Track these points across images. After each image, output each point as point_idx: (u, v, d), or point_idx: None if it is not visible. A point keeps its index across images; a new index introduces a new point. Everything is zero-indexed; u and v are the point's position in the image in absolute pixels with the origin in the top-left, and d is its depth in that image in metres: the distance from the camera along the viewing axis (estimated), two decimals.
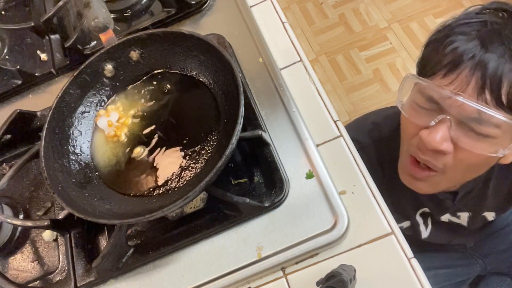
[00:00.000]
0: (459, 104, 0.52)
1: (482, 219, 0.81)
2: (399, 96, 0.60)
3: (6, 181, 0.63)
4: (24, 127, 0.74)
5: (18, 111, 0.72)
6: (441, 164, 0.58)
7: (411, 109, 0.59)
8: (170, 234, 0.62)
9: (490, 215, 0.80)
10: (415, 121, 0.58)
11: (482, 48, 0.52)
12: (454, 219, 0.81)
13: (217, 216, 0.61)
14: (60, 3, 0.82)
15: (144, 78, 0.70)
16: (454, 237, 0.88)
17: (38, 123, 0.74)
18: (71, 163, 0.64)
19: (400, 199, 0.75)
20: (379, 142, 0.75)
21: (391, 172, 0.71)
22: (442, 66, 0.54)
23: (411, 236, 0.86)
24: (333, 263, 0.55)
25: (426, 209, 0.80)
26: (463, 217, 0.80)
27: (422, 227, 0.82)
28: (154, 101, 0.68)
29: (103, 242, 0.65)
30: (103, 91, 0.70)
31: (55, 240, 0.66)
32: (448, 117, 0.54)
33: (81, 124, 0.67)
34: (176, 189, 0.60)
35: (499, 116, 0.51)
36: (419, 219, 0.81)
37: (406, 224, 0.83)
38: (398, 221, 0.79)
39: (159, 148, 0.64)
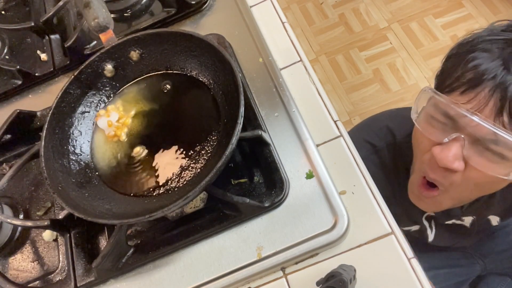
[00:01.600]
0: (475, 124, 0.51)
1: (486, 223, 0.80)
2: (415, 108, 0.59)
3: (6, 181, 0.63)
4: (24, 127, 0.74)
5: (18, 111, 0.72)
6: (448, 182, 0.58)
7: (426, 123, 0.58)
8: (170, 234, 0.62)
9: (494, 220, 0.80)
10: (429, 136, 0.57)
11: (504, 69, 0.50)
12: (458, 222, 0.80)
13: (217, 216, 0.61)
14: (60, 3, 0.82)
15: (144, 78, 0.70)
16: (457, 239, 0.88)
17: (38, 123, 0.74)
18: (71, 163, 0.64)
19: (411, 204, 0.74)
20: (393, 146, 0.74)
21: (404, 178, 0.70)
22: (461, 83, 0.53)
23: (418, 238, 0.85)
24: (333, 263, 0.55)
25: (431, 213, 0.79)
26: (467, 220, 0.79)
27: (428, 231, 0.82)
28: (154, 101, 0.68)
29: (103, 242, 0.65)
30: (103, 91, 0.70)
31: (55, 240, 0.66)
32: (462, 135, 0.53)
33: (81, 124, 0.67)
34: (176, 189, 0.60)
35: None
36: (426, 223, 0.81)
37: (415, 227, 0.83)
38: (408, 224, 0.80)
39: (159, 148, 0.64)
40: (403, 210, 0.77)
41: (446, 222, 0.81)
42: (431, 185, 0.62)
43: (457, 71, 0.54)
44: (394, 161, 0.73)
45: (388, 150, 0.75)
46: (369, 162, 0.73)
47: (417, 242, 0.84)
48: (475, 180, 0.56)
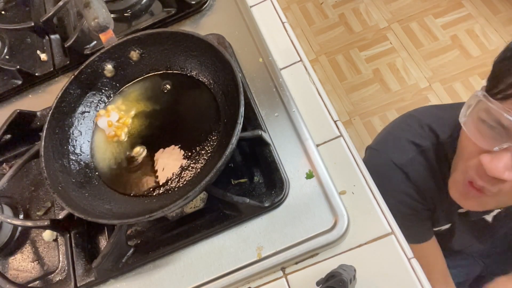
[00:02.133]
0: None
1: (508, 217, 0.79)
2: (464, 111, 0.56)
3: (6, 181, 0.63)
4: (24, 127, 0.74)
5: (18, 111, 0.72)
6: (496, 189, 0.56)
7: (475, 128, 0.54)
8: (170, 234, 0.62)
9: None
10: (477, 142, 0.54)
11: None
12: (486, 217, 0.78)
13: (217, 216, 0.61)
14: (60, 3, 0.82)
15: (144, 78, 0.70)
16: (475, 238, 0.87)
17: (38, 123, 0.74)
18: (71, 163, 0.64)
19: (446, 203, 0.73)
20: (437, 146, 0.72)
21: (445, 177, 0.68)
22: None
23: (441, 238, 0.85)
24: (333, 263, 0.55)
25: (463, 209, 0.77)
26: (493, 213, 0.78)
27: (457, 228, 0.81)
28: (154, 101, 0.68)
29: (103, 242, 0.65)
30: (103, 91, 0.70)
31: (55, 240, 0.66)
32: None
33: (81, 124, 0.67)
34: (176, 189, 0.60)
35: None
36: (457, 220, 0.80)
37: (446, 226, 0.82)
38: (442, 224, 0.79)
39: (159, 148, 0.64)
40: (443, 210, 0.76)
41: (473, 219, 0.79)
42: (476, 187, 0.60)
43: (511, 77, 0.51)
44: (438, 161, 0.71)
45: (433, 150, 0.72)
46: (416, 163, 0.71)
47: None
48: None
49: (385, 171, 0.74)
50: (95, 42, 0.82)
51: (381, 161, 0.74)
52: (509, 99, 0.50)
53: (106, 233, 0.65)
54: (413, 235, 0.79)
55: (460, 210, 0.80)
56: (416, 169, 0.70)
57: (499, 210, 0.77)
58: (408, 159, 0.71)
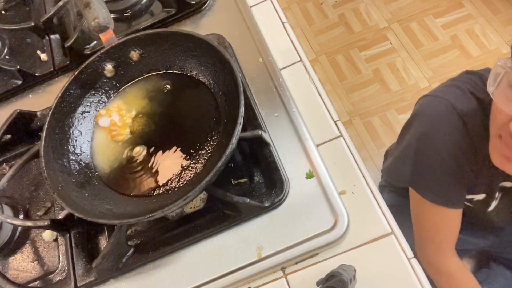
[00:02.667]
0: None
1: None
2: (491, 80, 0.56)
3: (6, 181, 0.63)
4: (24, 127, 0.74)
5: (18, 111, 0.72)
6: None
7: (503, 96, 0.55)
8: (170, 234, 0.62)
9: None
10: (506, 110, 0.55)
11: None
12: None
13: (217, 216, 0.61)
14: (60, 3, 0.82)
15: (144, 78, 0.70)
16: None
17: (38, 123, 0.74)
18: (71, 163, 0.64)
19: (488, 171, 0.71)
20: (481, 111, 0.69)
21: (487, 143, 0.66)
22: None
23: (473, 208, 0.81)
24: (333, 263, 0.55)
25: (509, 184, 0.75)
26: None
27: (493, 201, 0.79)
28: (154, 101, 0.68)
29: (103, 242, 0.65)
30: (103, 91, 0.70)
31: (55, 240, 0.66)
32: None
33: (81, 124, 0.67)
34: (176, 189, 0.60)
35: None
36: (497, 193, 0.77)
37: (479, 197, 0.78)
38: (475, 192, 0.76)
39: (159, 148, 0.64)
40: (484, 178, 0.73)
41: None
42: None
43: None
44: (483, 125, 0.68)
45: (479, 113, 0.69)
46: (477, 116, 0.67)
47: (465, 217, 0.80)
48: None
49: (443, 116, 0.69)
50: (95, 42, 0.82)
51: (440, 107, 0.69)
52: None
53: (106, 233, 0.65)
54: (446, 196, 0.74)
55: (505, 184, 0.76)
56: (475, 122, 0.67)
57: None
58: (469, 109, 0.67)
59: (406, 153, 0.75)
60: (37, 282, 0.64)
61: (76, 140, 0.66)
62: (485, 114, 0.65)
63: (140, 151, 0.64)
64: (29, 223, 0.63)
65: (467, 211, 0.80)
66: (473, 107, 0.66)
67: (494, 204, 0.80)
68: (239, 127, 0.54)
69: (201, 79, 0.67)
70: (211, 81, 0.66)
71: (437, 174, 0.70)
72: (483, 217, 0.84)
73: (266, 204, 0.59)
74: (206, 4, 0.81)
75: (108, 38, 0.67)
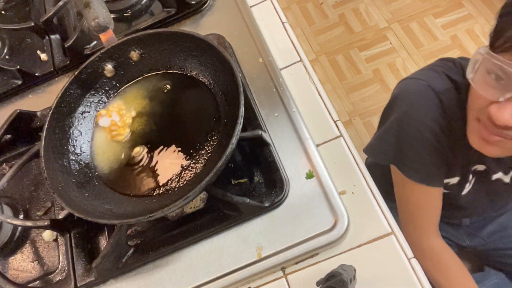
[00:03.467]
0: None
1: None
2: (470, 68, 0.59)
3: (6, 181, 0.63)
4: (24, 127, 0.74)
5: (18, 111, 0.72)
6: (507, 138, 0.59)
7: (482, 82, 0.58)
8: (170, 234, 0.62)
9: None
10: (485, 94, 0.58)
11: None
12: (504, 177, 0.80)
13: (217, 216, 0.61)
14: (60, 3, 0.82)
15: (144, 78, 0.70)
16: (491, 198, 0.87)
17: (38, 123, 0.74)
18: (71, 163, 0.64)
19: (462, 154, 0.74)
20: (467, 87, 0.71)
21: (463, 125, 0.69)
22: None
23: (449, 193, 0.84)
24: (333, 263, 0.55)
25: (481, 167, 0.78)
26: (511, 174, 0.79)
27: (467, 184, 0.82)
28: (154, 101, 0.68)
29: (103, 242, 0.65)
30: (103, 91, 0.70)
31: (55, 240, 0.66)
32: None
33: (81, 124, 0.67)
34: (176, 189, 0.60)
35: None
36: (471, 176, 0.80)
37: (453, 180, 0.81)
38: (448, 177, 0.79)
39: (159, 148, 0.64)
40: (459, 160, 0.76)
41: (492, 178, 0.80)
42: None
43: (510, 31, 0.54)
44: (458, 104, 0.72)
45: (465, 88, 0.72)
46: (451, 95, 0.71)
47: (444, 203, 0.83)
48: None
49: (421, 95, 0.73)
50: (95, 42, 0.82)
51: (418, 87, 0.74)
52: (509, 51, 0.53)
53: (106, 233, 0.65)
54: (427, 173, 0.77)
55: (478, 167, 0.79)
56: (450, 100, 0.71)
57: None
58: (444, 88, 0.71)
59: (388, 132, 0.78)
60: (37, 282, 0.64)
61: (76, 140, 0.66)
62: (459, 94, 0.68)
63: (140, 151, 0.64)
64: (29, 223, 0.63)
65: (443, 197, 0.83)
66: (448, 87, 0.71)
67: (467, 187, 0.83)
68: (239, 127, 0.54)
69: (201, 79, 0.67)
70: (211, 81, 0.66)
71: (419, 151, 0.74)
72: (456, 202, 0.87)
73: (266, 204, 0.59)
74: (206, 4, 0.81)
75: (108, 38, 0.67)
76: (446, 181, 0.81)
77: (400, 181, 0.82)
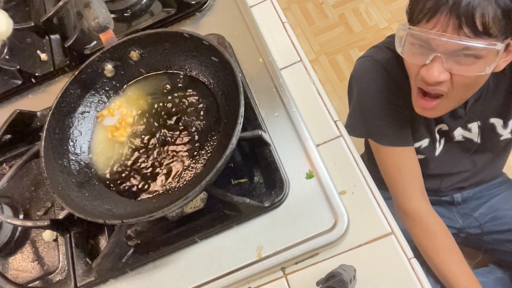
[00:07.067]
0: (445, 42, 0.63)
1: (491, 129, 0.87)
2: (397, 42, 0.71)
3: (6, 181, 0.63)
4: (24, 127, 0.74)
5: (18, 111, 0.72)
6: (445, 88, 0.69)
7: (409, 52, 0.70)
8: (170, 234, 0.62)
9: (498, 123, 0.86)
10: (414, 61, 0.69)
11: None
12: (466, 133, 0.88)
13: (217, 216, 0.61)
14: (60, 3, 0.82)
15: (144, 78, 0.70)
16: (464, 157, 0.94)
17: (38, 123, 0.74)
18: (71, 163, 0.64)
19: (421, 117, 0.82)
20: (396, 59, 0.82)
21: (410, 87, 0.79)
22: (424, 13, 0.64)
23: (426, 157, 0.92)
24: (333, 263, 0.55)
25: (444, 126, 0.87)
26: (474, 130, 0.87)
27: (437, 144, 0.90)
28: (154, 101, 0.68)
29: (103, 242, 0.65)
30: (103, 91, 0.70)
31: (55, 240, 0.66)
32: (438, 54, 0.65)
33: (81, 124, 0.67)
34: (176, 189, 0.60)
35: (478, 44, 0.62)
36: (437, 135, 0.89)
37: (424, 143, 0.89)
38: (419, 139, 0.88)
39: (159, 148, 0.64)
40: (414, 123, 0.86)
41: (456, 138, 0.89)
42: (430, 97, 0.73)
43: (419, 5, 0.65)
44: (401, 70, 0.80)
45: (394, 59, 0.83)
46: (394, 62, 0.81)
47: (423, 166, 0.90)
48: (463, 82, 0.68)
49: (368, 68, 0.84)
50: (95, 42, 0.82)
51: (365, 63, 0.85)
52: (422, 21, 0.65)
53: (106, 233, 0.65)
54: (393, 135, 0.85)
55: (442, 127, 0.88)
56: (393, 66, 0.81)
57: (478, 123, 0.86)
58: (386, 58, 0.82)
59: (354, 109, 0.89)
60: (37, 282, 0.64)
61: (76, 140, 0.66)
62: (400, 62, 0.78)
63: (140, 151, 0.64)
64: (29, 223, 0.63)
65: (422, 167, 0.90)
66: (389, 56, 0.82)
67: (439, 148, 0.91)
68: (239, 127, 0.54)
69: (201, 79, 0.67)
70: (211, 81, 0.66)
71: (382, 117, 0.84)
72: (435, 168, 0.95)
73: (266, 204, 0.59)
74: (206, 4, 0.81)
75: (108, 38, 0.67)
76: (417, 144, 0.89)
77: (377, 151, 0.90)
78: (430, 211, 0.88)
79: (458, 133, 0.88)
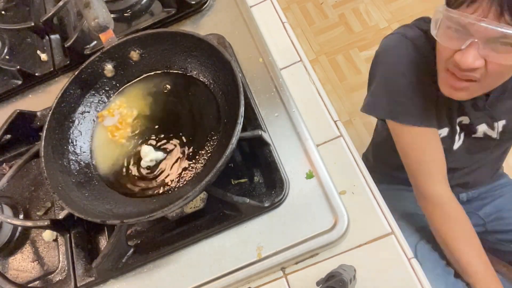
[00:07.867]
0: (484, 29, 0.61)
1: None
2: (433, 25, 0.69)
3: (6, 181, 0.63)
4: (24, 127, 0.74)
5: (18, 111, 0.72)
6: (478, 74, 0.67)
7: (444, 35, 0.68)
8: (170, 234, 0.62)
9: None
10: (449, 45, 0.68)
11: None
12: (489, 132, 0.87)
13: (217, 216, 0.61)
14: (60, 3, 0.82)
15: (144, 78, 0.70)
16: (481, 153, 0.93)
17: (38, 123, 0.74)
18: (71, 163, 0.64)
19: (444, 104, 0.82)
20: (426, 38, 0.80)
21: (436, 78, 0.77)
22: None
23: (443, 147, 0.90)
24: (333, 263, 0.55)
25: (465, 119, 0.86)
26: (499, 129, 0.86)
27: (456, 137, 0.89)
28: (154, 101, 0.68)
29: (103, 242, 0.65)
30: (103, 91, 0.70)
31: (55, 240, 0.66)
32: (476, 40, 0.63)
33: (81, 124, 0.67)
34: (176, 189, 0.60)
35: None
36: (457, 128, 0.87)
37: (444, 132, 0.87)
38: (439, 127, 0.86)
39: (159, 148, 0.64)
40: (441, 107, 0.84)
41: (478, 133, 0.87)
42: (461, 78, 0.71)
43: None
44: (432, 48, 0.79)
45: (424, 37, 0.82)
46: (424, 40, 0.80)
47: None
48: (497, 70, 0.67)
49: (397, 44, 0.82)
50: (95, 42, 0.82)
51: (394, 39, 0.83)
52: (462, 5, 0.63)
53: (106, 233, 0.65)
54: (418, 115, 0.82)
55: (463, 120, 0.86)
56: (423, 43, 0.80)
57: (504, 122, 0.85)
58: (416, 35, 0.81)
59: (379, 87, 0.86)
60: (37, 282, 0.64)
61: (76, 140, 0.66)
62: (430, 40, 0.77)
63: (139, 151, 0.64)
64: (29, 223, 0.63)
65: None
66: (419, 34, 0.81)
67: (458, 142, 0.89)
68: (239, 127, 0.54)
69: (201, 79, 0.67)
70: (211, 81, 0.66)
71: (408, 95, 0.82)
72: (451, 161, 0.91)
73: (266, 204, 0.59)
74: (206, 4, 0.81)
75: (108, 38, 0.67)
76: (437, 132, 0.87)
77: (400, 133, 0.87)
78: (452, 196, 0.86)
79: (481, 130, 0.86)
